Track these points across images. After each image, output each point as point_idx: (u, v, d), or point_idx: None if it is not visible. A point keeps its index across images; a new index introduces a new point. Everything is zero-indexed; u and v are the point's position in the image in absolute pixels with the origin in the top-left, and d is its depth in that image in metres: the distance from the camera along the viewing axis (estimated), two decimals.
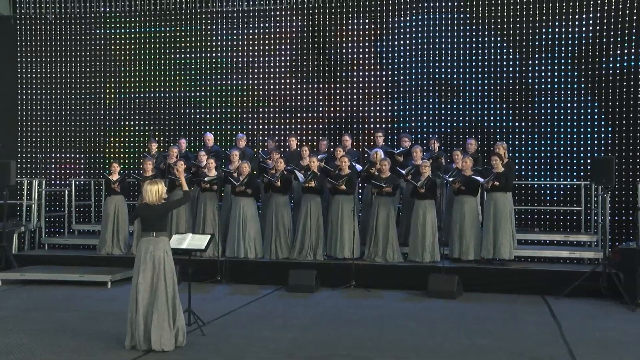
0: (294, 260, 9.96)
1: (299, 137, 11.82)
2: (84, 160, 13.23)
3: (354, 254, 9.59)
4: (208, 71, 12.90)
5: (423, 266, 9.44)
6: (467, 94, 11.67)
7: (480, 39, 11.60)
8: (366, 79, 12.24)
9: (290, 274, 9.31)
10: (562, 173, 11.17)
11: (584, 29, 11.13)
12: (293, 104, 12.55)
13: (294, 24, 12.55)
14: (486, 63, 11.56)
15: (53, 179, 13.22)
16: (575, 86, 11.13)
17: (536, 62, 11.33)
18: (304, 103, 12.51)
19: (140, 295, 5.97)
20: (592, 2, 11.13)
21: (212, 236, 6.96)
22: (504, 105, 11.48)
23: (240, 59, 12.78)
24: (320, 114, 12.40)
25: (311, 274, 9.27)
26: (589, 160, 10.91)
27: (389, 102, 12.14)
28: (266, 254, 10.21)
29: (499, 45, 11.52)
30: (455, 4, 11.71)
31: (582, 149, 11.06)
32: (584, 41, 11.12)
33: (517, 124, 11.39)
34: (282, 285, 9.46)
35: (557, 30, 11.25)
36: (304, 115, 12.51)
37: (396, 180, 9.90)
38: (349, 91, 12.31)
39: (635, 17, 10.91)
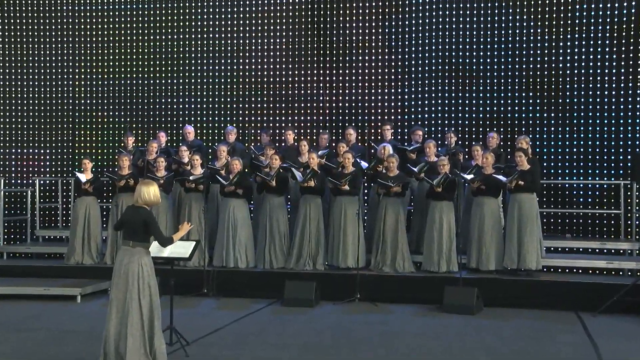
0: (291, 270, 9.95)
1: (296, 131, 11.82)
2: (50, 156, 13.24)
3: (358, 263, 9.59)
4: (192, 54, 12.91)
5: (437, 277, 9.44)
6: (489, 81, 11.67)
7: (503, 18, 11.60)
8: (373, 64, 12.24)
9: (287, 285, 9.31)
10: (597, 171, 11.16)
11: (624, 3, 11.04)
12: (290, 92, 12.55)
13: (291, 0, 12.56)
14: (510, 45, 11.56)
15: (13, 177, 13.22)
16: (614, 71, 11.08)
17: (568, 43, 11.30)
18: (302, 91, 12.51)
19: (112, 313, 5.99)
20: None
21: (198, 243, 6.96)
22: (530, 94, 11.48)
23: (229, 41, 12.78)
24: (321, 104, 12.40)
25: (310, 286, 9.27)
26: (629, 156, 10.91)
27: (399, 90, 12.14)
28: (259, 263, 10.21)
29: (524, 24, 11.51)
30: None
31: (620, 143, 11.04)
32: (624, 18, 11.01)
33: (545, 114, 11.39)
34: (277, 298, 9.45)
35: (592, 6, 11.18)
36: (302, 105, 12.51)
37: (406, 179, 9.90)
38: (354, 77, 12.31)
39: None
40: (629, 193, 10.68)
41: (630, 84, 11.04)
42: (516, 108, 11.55)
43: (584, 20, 11.23)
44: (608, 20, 11.14)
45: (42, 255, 11.88)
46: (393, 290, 9.49)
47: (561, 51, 11.32)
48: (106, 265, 10.25)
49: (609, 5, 11.14)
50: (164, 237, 6.34)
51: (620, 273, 10.02)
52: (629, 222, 10.66)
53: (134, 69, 13.05)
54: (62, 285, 9.81)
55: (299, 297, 9.17)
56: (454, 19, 11.80)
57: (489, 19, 11.67)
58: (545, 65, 11.40)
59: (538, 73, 11.43)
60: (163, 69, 12.97)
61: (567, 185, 11.28)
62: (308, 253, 9.98)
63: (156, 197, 6.22)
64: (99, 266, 10.43)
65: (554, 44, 11.38)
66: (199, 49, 12.87)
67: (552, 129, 11.35)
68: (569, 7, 11.32)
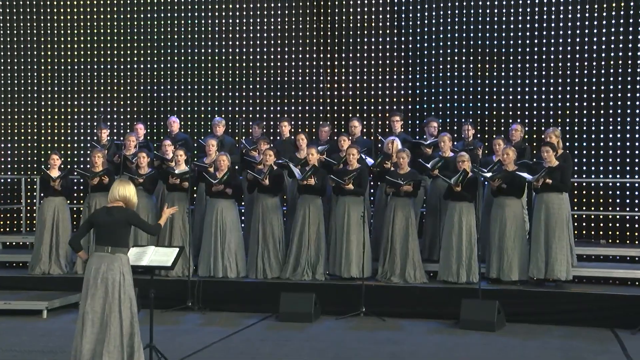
0: (287, 280, 9.95)
1: (293, 122, 11.82)
2: (11, 151, 13.21)
3: (363, 273, 9.58)
4: (176, 36, 12.89)
5: (453, 289, 9.43)
6: (512, 66, 11.66)
7: None
8: (380, 47, 12.23)
9: (282, 298, 9.30)
10: (636, 168, 11.16)
11: None
12: (285, 79, 12.54)
13: None
14: (536, 24, 11.54)
15: None
16: None
17: (604, 22, 11.24)
18: (300, 78, 12.50)
19: (87, 328, 5.95)
20: None
21: (181, 249, 6.94)
22: (559, 81, 11.45)
23: (216, 19, 12.76)
24: (321, 92, 12.40)
25: (309, 299, 9.27)
26: None
27: (410, 76, 12.13)
28: (251, 273, 10.21)
29: (553, 2, 11.51)
30: None
31: None
32: None
33: (577, 104, 11.37)
34: (272, 313, 9.46)
35: None
36: (300, 93, 12.50)
37: (418, 177, 9.89)
38: (358, 62, 12.31)
39: None
40: None
41: None
42: (543, 96, 11.53)
43: None
44: None
45: (3, 265, 11.85)
46: (403, 303, 9.47)
47: (595, 31, 11.29)
48: (77, 275, 10.23)
49: None
50: (152, 226, 6.61)
51: None
52: None
53: (108, 52, 13.02)
54: (26, 298, 9.78)
55: (296, 311, 9.16)
56: None
57: None
58: (577, 48, 11.36)
59: (569, 56, 11.40)
60: (141, 51, 12.95)
61: (601, 184, 11.27)
62: (306, 261, 9.97)
63: (135, 197, 6.28)
64: (68, 276, 10.40)
65: (587, 22, 11.35)
66: (183, 28, 12.85)
67: (585, 120, 11.33)
68: None
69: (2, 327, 8.85)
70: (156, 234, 6.68)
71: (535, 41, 11.53)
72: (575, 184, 11.00)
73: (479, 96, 11.78)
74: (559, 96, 11.46)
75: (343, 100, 12.37)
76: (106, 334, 5.93)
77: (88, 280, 6.04)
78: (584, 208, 11.22)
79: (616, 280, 10.10)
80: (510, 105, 11.64)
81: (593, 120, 11.30)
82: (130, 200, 6.22)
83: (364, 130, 11.47)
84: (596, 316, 9.01)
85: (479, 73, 11.77)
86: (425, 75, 12.04)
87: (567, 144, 11.07)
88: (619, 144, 11.21)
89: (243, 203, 10.92)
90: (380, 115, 12.08)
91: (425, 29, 12.02)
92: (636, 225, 11.09)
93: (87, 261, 6.20)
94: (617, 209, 11.18)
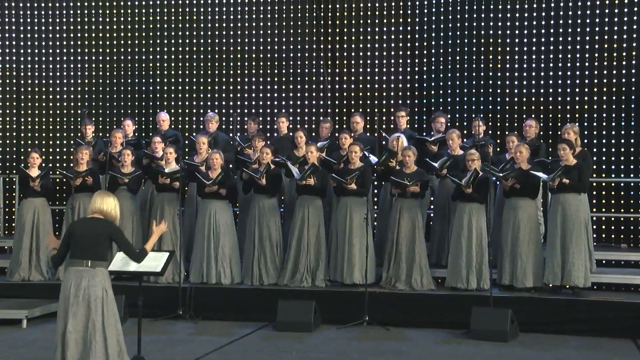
0: (285, 287, 9.95)
1: (291, 118, 11.82)
2: None
3: (367, 279, 9.58)
4: (166, 26, 12.89)
5: (462, 296, 9.43)
6: (525, 57, 11.66)
7: None
8: (384, 36, 12.24)
9: (280, 306, 9.30)
10: None
11: None
12: (283, 71, 12.55)
13: None
14: (552, 12, 11.55)
15: None
16: None
17: (625, 9, 11.25)
18: (299, 70, 12.52)
19: (69, 350, 5.92)
20: None
21: (172, 254, 6.94)
22: (577, 73, 11.47)
23: (209, 8, 12.77)
24: (321, 85, 12.40)
25: (309, 307, 9.26)
26: None
27: (416, 68, 12.14)
28: (246, 279, 10.20)
29: None
30: None
31: None
32: None
33: (596, 98, 11.38)
34: (269, 322, 9.45)
35: None
36: (299, 87, 12.51)
37: (425, 177, 9.89)
38: (361, 53, 12.31)
39: None
40: None
41: None
42: (559, 90, 11.54)
43: None
44: None
45: None
46: (409, 311, 9.47)
47: (616, 19, 11.29)
48: (59, 282, 10.17)
49: None
50: (136, 251, 6.34)
51: None
52: None
53: (93, 42, 13.03)
54: (4, 307, 9.75)
55: (294, 320, 9.15)
56: None
57: None
58: (597, 37, 11.37)
59: (587, 47, 11.41)
60: (129, 41, 12.96)
61: (622, 184, 11.29)
62: (306, 266, 9.97)
63: (116, 211, 6.23)
64: (49, 283, 10.37)
65: (607, 10, 11.35)
66: (174, 17, 12.86)
67: (605, 115, 11.35)
68: None
69: None
70: (140, 260, 6.34)
71: (552, 30, 11.51)
72: (595, 184, 11.01)
73: (490, 89, 11.79)
74: (577, 89, 11.47)
75: (345, 94, 12.37)
76: (90, 354, 5.91)
77: (67, 297, 6.00)
78: (604, 210, 11.24)
79: (638, 288, 10.10)
80: (524, 99, 11.64)
81: (613, 115, 11.31)
82: (109, 214, 6.20)
83: (367, 126, 11.46)
84: (616, 326, 9.00)
85: (491, 64, 11.77)
86: (433, 67, 12.04)
87: (586, 141, 11.08)
88: None
89: (238, 204, 10.90)
90: (384, 110, 12.10)
91: (433, 17, 12.02)
92: None
93: (64, 277, 6.15)
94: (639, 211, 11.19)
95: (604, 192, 11.31)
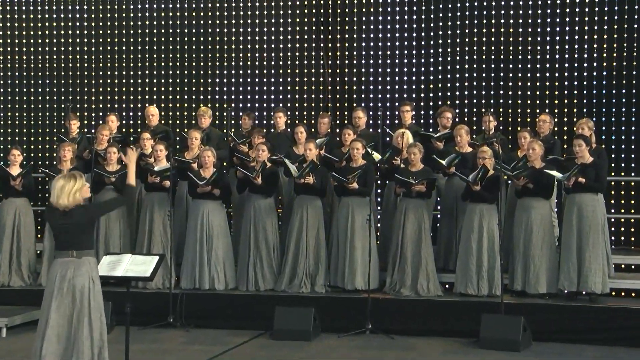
0: (283, 293, 9.96)
1: (289, 113, 11.81)
2: None
3: (369, 284, 9.58)
4: (155, 14, 12.89)
5: (472, 303, 9.44)
6: (539, 48, 11.66)
7: None
8: (388, 26, 12.24)
9: (277, 313, 9.30)
10: None
11: None
12: (281, 63, 12.55)
13: None
14: (567, 3, 11.54)
15: None
16: None
17: None
18: (297, 62, 12.51)
19: (49, 345, 5.91)
20: None
21: (162, 258, 6.95)
22: (594, 64, 11.48)
23: None
24: (321, 78, 12.40)
25: (308, 314, 9.26)
26: None
27: (422, 60, 12.14)
28: (241, 284, 10.21)
29: None
30: None
31: None
32: None
33: (614, 91, 11.39)
34: (265, 330, 9.46)
35: None
36: (297, 80, 12.50)
37: (432, 175, 9.89)
38: (363, 44, 12.31)
39: None
40: None
41: None
42: (575, 83, 11.54)
43: None
44: None
45: None
46: (414, 319, 9.48)
47: (636, 7, 11.27)
48: (40, 287, 10.18)
49: None
50: (121, 198, 6.76)
51: None
52: None
53: (77, 32, 13.03)
54: None
55: (292, 328, 9.16)
56: None
57: None
58: (616, 27, 11.36)
59: (605, 37, 11.40)
60: (116, 31, 12.96)
61: None
62: (304, 271, 9.98)
63: (74, 195, 6.09)
64: (31, 289, 10.38)
65: (622, 1, 11.34)
66: (163, 4, 12.84)
67: (624, 109, 11.36)
68: None
69: None
70: (131, 200, 6.61)
71: (567, 19, 11.52)
72: (612, 184, 11.00)
73: (501, 82, 11.79)
74: (593, 82, 11.48)
75: (346, 87, 12.37)
76: (74, 350, 5.91)
77: (52, 290, 6.01)
78: (622, 211, 11.24)
79: None
80: (538, 93, 11.66)
81: (633, 110, 11.32)
82: (78, 200, 6.11)
83: (370, 121, 11.46)
84: (636, 335, 8.98)
85: (502, 56, 11.77)
86: (440, 58, 12.04)
87: (603, 137, 11.07)
88: None
89: (232, 205, 10.90)
90: (388, 104, 12.10)
91: (440, 6, 12.01)
92: None
93: (49, 270, 6.17)
94: None
95: (622, 192, 11.32)
